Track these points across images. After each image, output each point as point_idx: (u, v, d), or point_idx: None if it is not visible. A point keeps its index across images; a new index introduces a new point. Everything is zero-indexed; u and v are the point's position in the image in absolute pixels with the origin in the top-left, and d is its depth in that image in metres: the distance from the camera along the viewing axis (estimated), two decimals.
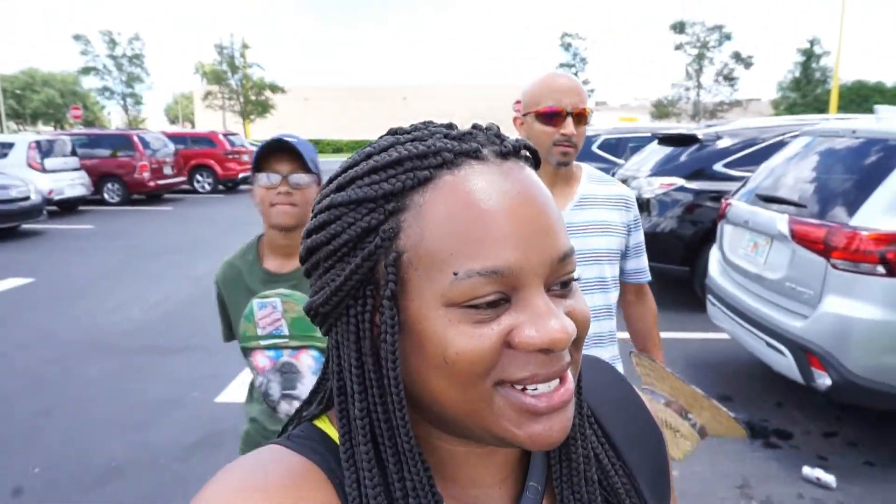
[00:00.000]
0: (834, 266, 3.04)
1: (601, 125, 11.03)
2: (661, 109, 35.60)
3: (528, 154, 0.50)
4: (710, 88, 34.90)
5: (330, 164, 31.23)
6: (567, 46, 36.37)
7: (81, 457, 3.41)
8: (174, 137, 17.33)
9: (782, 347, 3.30)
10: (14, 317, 6.07)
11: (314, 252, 0.49)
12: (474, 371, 0.43)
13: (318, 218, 0.49)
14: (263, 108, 35.21)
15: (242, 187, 18.41)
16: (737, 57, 33.93)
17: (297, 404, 1.56)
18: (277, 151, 1.51)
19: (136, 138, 14.84)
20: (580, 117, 1.59)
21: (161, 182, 15.05)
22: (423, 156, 0.46)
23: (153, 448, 3.49)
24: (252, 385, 1.70)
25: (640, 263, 1.81)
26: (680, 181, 6.00)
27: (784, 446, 3.43)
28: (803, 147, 3.88)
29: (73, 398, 4.18)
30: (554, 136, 1.58)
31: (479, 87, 67.80)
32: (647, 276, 1.83)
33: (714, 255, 4.48)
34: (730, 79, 34.25)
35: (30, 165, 12.06)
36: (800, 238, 3.25)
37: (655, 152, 6.64)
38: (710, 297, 4.34)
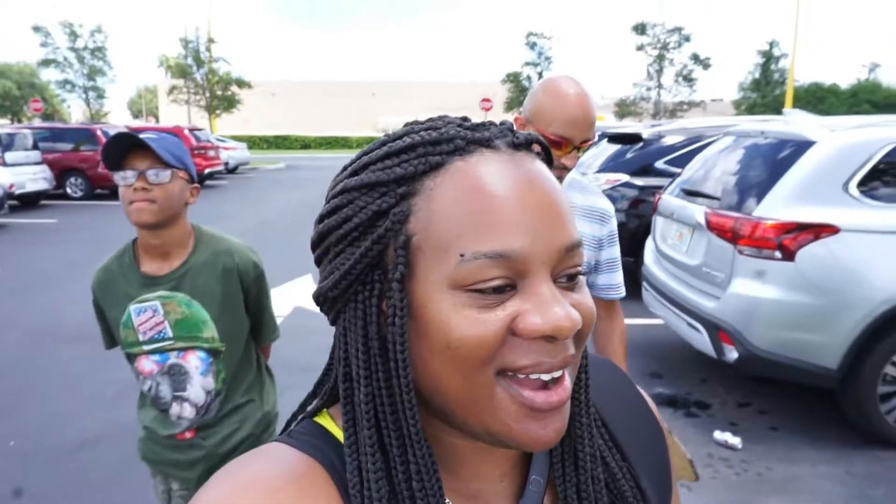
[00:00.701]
0: (740, 252, 3.44)
1: None
2: (623, 109, 36.41)
3: (539, 149, 0.51)
4: (671, 88, 35.84)
5: (297, 160, 31.20)
6: (532, 45, 36.90)
7: (55, 430, 3.63)
8: (138, 132, 17.23)
9: (699, 325, 3.70)
10: None
11: (326, 237, 0.49)
12: (477, 356, 0.43)
13: (330, 203, 0.49)
14: (230, 103, 34.93)
15: (209, 182, 18.40)
16: (695, 58, 34.91)
17: (188, 406, 1.61)
18: (133, 148, 1.48)
19: (99, 132, 14.78)
20: (584, 147, 1.57)
21: None
22: (436, 142, 0.47)
23: (123, 423, 3.73)
24: (142, 391, 1.68)
25: (613, 279, 1.78)
26: (625, 177, 6.41)
27: (702, 415, 3.83)
28: (724, 146, 4.29)
29: (44, 380, 4.38)
30: (554, 162, 1.57)
31: (446, 85, 68.10)
32: (621, 293, 1.80)
33: (649, 245, 4.88)
34: (689, 79, 35.22)
35: None
36: (713, 227, 3.65)
37: (604, 150, 7.04)
38: (644, 284, 4.74)
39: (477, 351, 0.43)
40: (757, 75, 39.81)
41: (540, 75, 36.24)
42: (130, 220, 1.50)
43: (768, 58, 39.16)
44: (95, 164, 14.39)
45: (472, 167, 0.45)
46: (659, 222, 4.63)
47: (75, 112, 67.21)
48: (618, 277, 1.77)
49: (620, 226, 6.29)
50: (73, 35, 39.16)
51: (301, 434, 0.52)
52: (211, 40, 33.94)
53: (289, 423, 0.57)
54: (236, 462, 0.49)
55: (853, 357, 3.26)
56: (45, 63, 39.83)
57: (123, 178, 1.47)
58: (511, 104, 37.76)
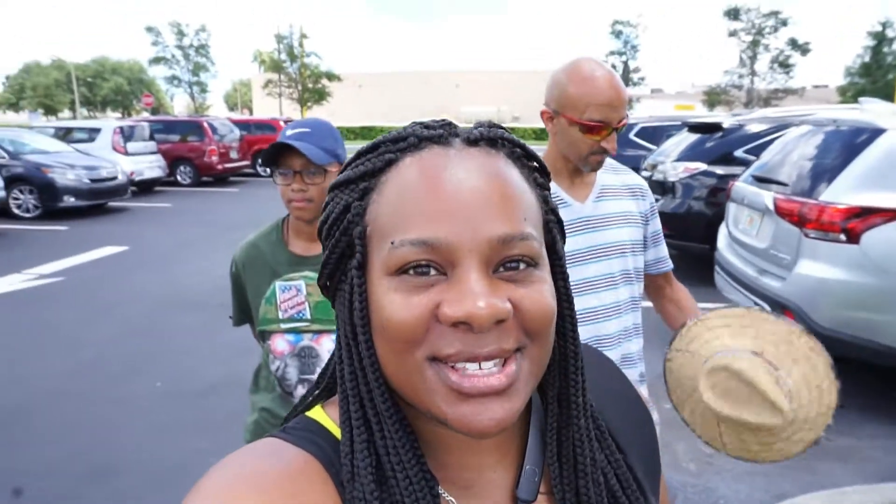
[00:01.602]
0: (806, 235, 3.61)
1: (655, 113, 11.33)
2: (713, 97, 35.12)
3: (514, 146, 0.52)
4: (765, 76, 34.21)
5: None
6: (618, 34, 36.19)
7: (185, 379, 4.30)
8: (239, 124, 18.50)
9: (765, 305, 3.89)
10: (116, 277, 7.09)
11: (320, 232, 0.53)
12: (402, 338, 0.44)
13: (325, 199, 0.53)
14: (320, 96, 36.50)
15: None
16: (793, 43, 33.13)
17: None
18: (289, 147, 1.49)
19: (206, 124, 16.03)
20: (621, 127, 1.53)
21: (228, 165, 16.22)
22: (394, 140, 0.50)
23: (236, 377, 4.36)
24: (257, 373, 1.70)
25: (661, 252, 1.75)
26: (703, 166, 6.52)
27: None
28: (797, 135, 4.41)
29: (172, 340, 5.11)
30: (594, 147, 1.51)
31: (528, 74, 67.53)
32: (670, 264, 1.78)
33: (722, 231, 5.04)
34: (785, 66, 33.49)
35: (114, 149, 13.31)
36: (781, 212, 3.82)
37: (684, 139, 7.15)
38: (716, 268, 4.92)
39: (401, 332, 0.44)
40: (867, 59, 37.24)
41: (625, 65, 35.52)
42: (293, 217, 1.58)
43: (880, 40, 36.55)
44: (202, 153, 15.63)
45: (416, 162, 0.48)
46: (731, 208, 4.79)
47: (178, 105, 71.71)
48: (664, 250, 1.76)
49: (693, 213, 6.42)
50: (181, 34, 42.11)
51: (297, 429, 0.53)
52: (304, 36, 35.50)
53: (288, 417, 0.58)
54: (232, 458, 0.49)
55: None
56: (156, 60, 43.07)
57: (281, 177, 1.52)
58: None
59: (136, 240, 9.05)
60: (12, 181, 10.48)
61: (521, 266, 0.46)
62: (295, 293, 1.55)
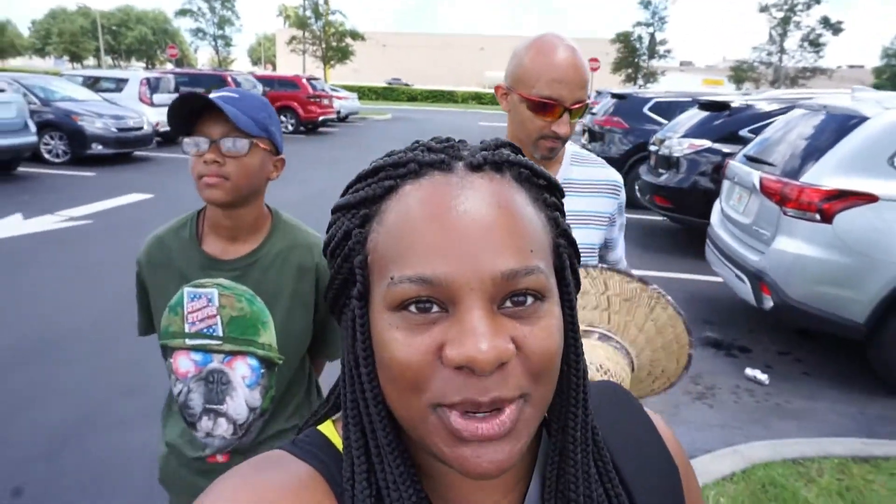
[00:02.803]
0: (785, 213, 3.86)
1: (681, 88, 11.28)
2: (740, 73, 34.53)
3: (520, 167, 0.49)
4: (794, 54, 33.52)
5: (404, 112, 32.21)
6: (646, 4, 35.49)
7: None
8: (262, 80, 18.71)
9: (743, 276, 4.17)
10: (142, 222, 7.49)
11: (324, 252, 0.52)
12: (405, 378, 0.43)
13: (330, 220, 0.52)
14: (343, 54, 36.47)
15: (321, 129, 19.75)
16: (825, 22, 32.34)
17: (223, 423, 1.33)
18: (207, 110, 1.22)
19: (230, 79, 16.28)
20: (577, 110, 1.37)
21: None
22: (394, 165, 0.48)
23: None
24: (170, 396, 1.41)
25: (617, 254, 1.64)
26: (708, 143, 6.71)
27: (741, 357, 4.33)
28: (790, 118, 4.62)
29: None
30: (544, 130, 1.37)
31: None
32: (625, 266, 1.68)
33: (716, 207, 5.29)
34: (815, 44, 32.76)
35: (140, 100, 13.64)
36: (765, 190, 4.07)
37: (694, 116, 7.32)
38: (707, 242, 5.18)
39: (405, 374, 0.43)
40: None
41: (652, 37, 34.89)
42: (201, 197, 1.26)
43: None
44: None
45: (416, 191, 0.46)
46: (725, 186, 5.03)
47: (201, 58, 71.64)
48: (620, 252, 1.65)
49: (695, 188, 6.63)
50: None
51: (304, 443, 0.53)
52: None
53: (300, 430, 0.58)
54: (237, 470, 0.49)
55: (880, 313, 3.65)
56: (182, 13, 43.06)
57: (194, 146, 1.22)
58: (619, 65, 36.76)
59: (160, 188, 9.43)
60: (43, 127, 10.86)
61: (528, 301, 0.44)
62: (206, 303, 1.30)
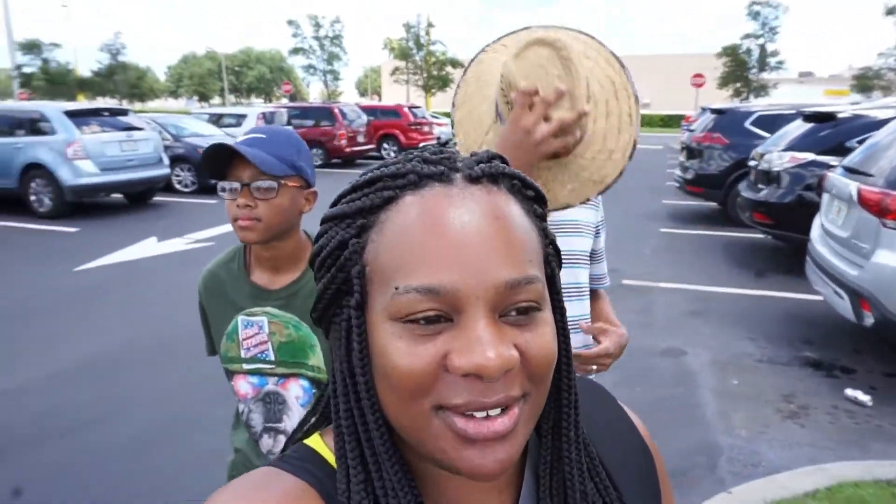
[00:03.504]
0: (884, 225, 3.69)
1: (799, 101, 10.66)
2: (864, 82, 31.98)
3: (513, 179, 0.51)
4: None
5: None
6: (755, 15, 33.83)
7: None
8: (366, 109, 19.70)
9: (842, 292, 3.99)
10: None
11: (312, 263, 0.52)
12: (408, 387, 0.44)
13: (319, 230, 0.53)
14: (444, 83, 37.59)
15: None
16: None
17: (282, 439, 1.42)
18: (238, 155, 1.28)
19: (336, 110, 17.30)
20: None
21: (355, 149, 17.41)
22: (392, 176, 0.48)
23: None
24: (237, 409, 1.51)
25: (602, 268, 1.64)
26: (811, 156, 6.42)
27: (842, 377, 4.12)
28: (892, 129, 4.38)
29: None
30: None
31: (656, 59, 64.67)
32: (606, 282, 1.66)
33: (816, 221, 5.07)
34: None
35: None
36: (863, 202, 3.90)
37: (796, 129, 7.02)
38: (807, 259, 4.97)
39: (408, 382, 0.44)
40: None
41: (762, 48, 33.18)
42: (238, 238, 1.35)
43: None
44: (332, 137, 16.92)
45: (417, 202, 0.46)
46: (825, 199, 4.83)
47: (313, 92, 75.95)
48: (604, 266, 1.65)
49: (796, 203, 6.34)
50: (318, 26, 44.95)
51: (294, 458, 0.53)
52: (430, 25, 36.59)
53: (286, 445, 0.58)
54: (230, 486, 0.50)
55: None
56: (295, 51, 46.22)
57: (226, 190, 1.30)
58: (727, 80, 35.17)
59: None
60: (175, 160, 12.10)
61: (528, 310, 0.46)
62: (257, 330, 1.38)
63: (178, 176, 12.33)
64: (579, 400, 0.56)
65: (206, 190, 12.18)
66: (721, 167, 8.96)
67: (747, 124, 9.31)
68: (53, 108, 10.14)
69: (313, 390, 1.40)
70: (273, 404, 1.41)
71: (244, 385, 1.42)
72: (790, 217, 6.35)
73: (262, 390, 1.41)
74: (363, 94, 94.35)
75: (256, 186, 1.28)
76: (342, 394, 0.50)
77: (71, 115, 9.91)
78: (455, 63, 36.96)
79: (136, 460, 3.16)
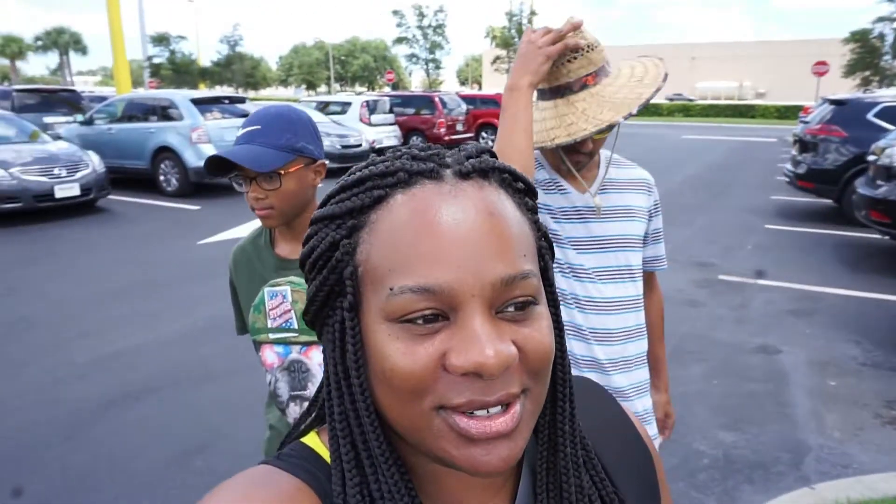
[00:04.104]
0: None
1: None
2: None
3: (503, 173, 0.50)
4: None
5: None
6: None
7: None
8: (466, 98, 19.92)
9: None
10: None
11: (303, 264, 0.52)
12: (408, 388, 0.44)
13: (308, 231, 0.52)
14: None
15: None
16: None
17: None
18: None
19: (437, 99, 17.64)
20: (604, 131, 1.39)
21: (454, 137, 17.69)
22: (381, 175, 0.47)
23: None
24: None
25: (658, 250, 1.68)
26: None
27: None
28: None
29: None
30: (570, 148, 1.44)
31: (774, 45, 60.56)
32: (664, 265, 1.70)
33: None
34: None
35: (360, 120, 15.41)
36: None
37: None
38: None
39: (407, 383, 0.43)
40: None
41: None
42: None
43: None
44: (432, 125, 17.29)
45: (409, 200, 0.46)
46: None
47: (415, 81, 77.28)
48: (661, 249, 1.69)
49: None
50: (421, 15, 45.70)
51: (290, 457, 0.53)
52: (533, 13, 36.23)
53: (282, 444, 0.57)
54: (225, 485, 0.49)
55: None
56: (399, 41, 47.26)
57: (240, 186, 1.41)
58: (853, 68, 32.32)
59: None
60: None
61: (524, 305, 0.46)
62: (281, 300, 1.45)
63: None
64: (578, 398, 0.56)
65: None
66: (838, 162, 8.42)
67: (870, 116, 8.68)
68: (182, 96, 11.08)
69: None
70: (297, 373, 1.46)
71: (270, 355, 1.49)
72: None
73: (287, 359, 1.47)
74: (464, 82, 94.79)
75: (262, 179, 1.36)
76: (336, 396, 0.49)
77: (196, 102, 10.80)
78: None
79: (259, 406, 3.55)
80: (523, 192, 0.52)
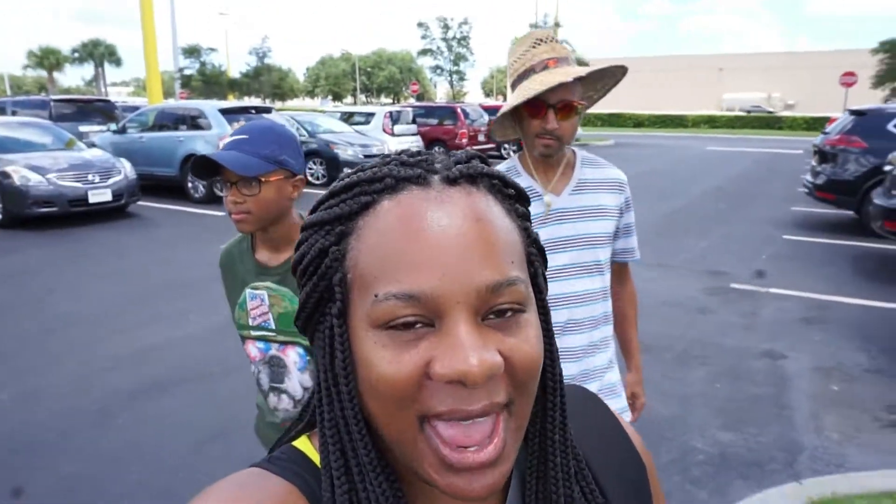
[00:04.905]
0: None
1: None
2: None
3: (492, 178, 0.50)
4: None
5: (627, 137, 31.70)
6: None
7: None
8: (488, 109, 20.16)
9: None
10: None
11: (295, 270, 0.52)
12: (393, 396, 0.43)
13: (300, 237, 0.52)
14: None
15: None
16: None
17: (285, 398, 1.60)
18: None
19: (459, 110, 17.92)
20: (567, 109, 1.50)
21: (475, 147, 17.88)
22: (369, 181, 0.48)
23: None
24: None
25: (629, 243, 1.79)
26: None
27: None
28: None
29: None
30: (537, 129, 1.52)
31: (802, 56, 59.78)
32: (635, 256, 1.81)
33: None
34: None
35: (383, 130, 15.70)
36: None
37: None
38: None
39: (392, 390, 0.43)
40: None
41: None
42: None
43: None
44: (453, 136, 17.53)
45: (395, 207, 0.46)
46: None
47: (440, 92, 77.80)
48: (632, 242, 1.80)
49: None
50: (446, 28, 46.30)
51: (280, 460, 0.53)
52: (557, 24, 36.43)
53: (274, 448, 0.57)
54: (214, 487, 0.49)
55: None
56: (424, 52, 47.88)
57: (221, 188, 1.48)
58: (883, 79, 31.83)
59: None
60: (308, 155, 13.16)
61: (511, 312, 0.45)
62: (260, 303, 1.56)
63: (310, 169, 13.40)
64: (571, 407, 0.56)
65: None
66: (857, 173, 8.41)
67: (890, 126, 8.66)
68: (210, 106, 11.48)
69: (308, 357, 1.57)
70: (276, 367, 1.58)
71: (253, 349, 1.61)
72: None
73: (267, 354, 1.59)
74: (488, 94, 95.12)
75: (243, 185, 1.44)
76: (326, 403, 0.49)
77: (224, 112, 11.18)
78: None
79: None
80: (514, 199, 0.52)
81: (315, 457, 0.53)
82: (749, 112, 44.44)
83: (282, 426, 1.65)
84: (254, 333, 1.58)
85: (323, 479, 0.49)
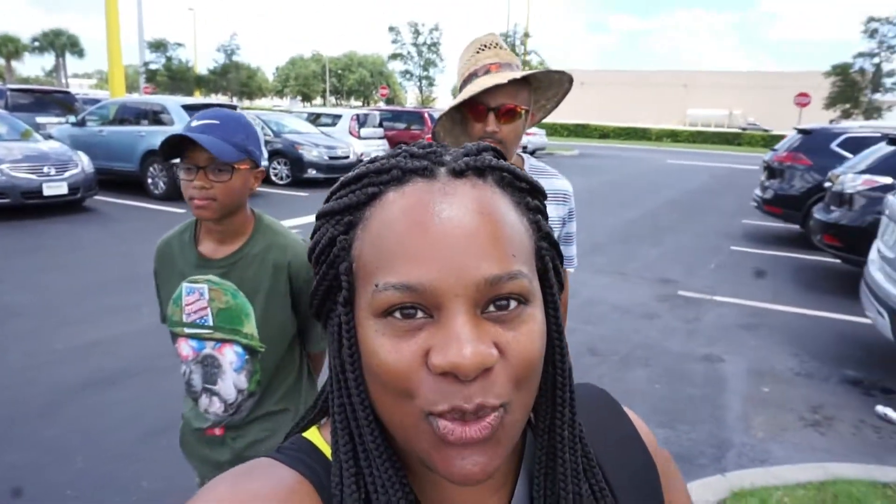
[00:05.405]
0: None
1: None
2: None
3: (502, 172, 0.50)
4: None
5: (592, 148, 32.31)
6: (872, 32, 31.72)
7: None
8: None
9: (883, 311, 4.06)
10: None
11: (310, 257, 0.53)
12: (394, 384, 0.44)
13: (314, 226, 0.53)
14: None
15: None
16: None
17: (216, 401, 1.53)
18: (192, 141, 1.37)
19: (426, 115, 18.04)
20: (509, 114, 1.48)
21: None
22: (378, 172, 0.48)
23: None
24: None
25: (569, 252, 1.82)
26: (890, 180, 6.30)
27: (879, 396, 4.17)
28: None
29: None
30: (479, 132, 1.51)
31: (760, 76, 61.74)
32: (573, 264, 1.84)
33: (874, 245, 5.07)
34: None
35: (350, 133, 15.72)
36: None
37: (877, 151, 6.88)
38: (862, 282, 4.98)
39: (393, 379, 0.44)
40: None
41: (877, 68, 31.11)
42: (194, 215, 1.48)
43: None
44: (420, 139, 17.59)
45: (399, 198, 0.46)
46: (882, 222, 4.84)
47: (410, 97, 77.84)
48: (572, 250, 1.83)
49: (867, 227, 6.23)
50: (417, 33, 46.50)
51: (291, 450, 0.54)
52: (526, 34, 36.93)
53: (286, 437, 0.59)
54: (224, 478, 0.50)
55: None
56: (394, 56, 47.97)
57: (184, 171, 1.42)
58: (834, 101, 33.14)
59: None
60: (273, 154, 13.12)
61: (511, 305, 0.45)
62: (198, 297, 1.49)
63: (274, 169, 13.34)
64: (581, 405, 0.57)
65: (298, 183, 13.12)
66: (802, 189, 8.79)
67: (833, 146, 9.07)
68: (173, 102, 11.35)
69: (246, 356, 1.53)
70: (210, 367, 1.52)
71: (185, 347, 1.54)
72: (859, 241, 6.27)
73: (201, 353, 1.53)
74: None
75: (212, 170, 1.40)
76: (336, 389, 0.50)
77: (187, 108, 11.04)
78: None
79: None
80: (525, 192, 0.52)
81: (324, 448, 0.54)
82: (745, 129, 45.54)
83: (207, 433, 1.59)
84: (187, 331, 1.52)
85: (333, 464, 0.50)
